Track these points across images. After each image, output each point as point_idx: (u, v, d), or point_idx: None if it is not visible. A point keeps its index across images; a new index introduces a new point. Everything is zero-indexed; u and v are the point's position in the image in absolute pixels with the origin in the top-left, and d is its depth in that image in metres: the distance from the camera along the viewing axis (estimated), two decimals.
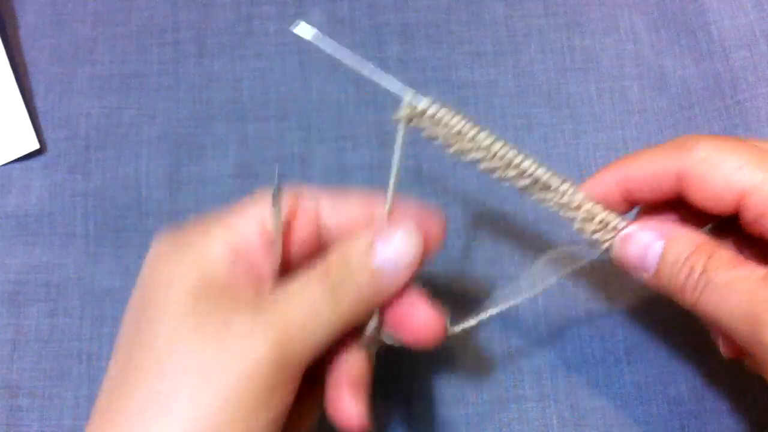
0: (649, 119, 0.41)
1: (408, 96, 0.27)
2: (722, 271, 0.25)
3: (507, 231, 0.39)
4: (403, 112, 0.27)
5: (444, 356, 0.37)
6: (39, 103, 0.42)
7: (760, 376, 0.26)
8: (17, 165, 0.41)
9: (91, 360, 0.38)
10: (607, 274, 0.38)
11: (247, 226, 0.27)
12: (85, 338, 0.38)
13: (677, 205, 0.29)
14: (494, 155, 0.27)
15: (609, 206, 0.29)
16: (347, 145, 0.41)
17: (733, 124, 0.40)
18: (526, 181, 0.28)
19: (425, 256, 0.27)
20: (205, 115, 0.42)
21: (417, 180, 0.40)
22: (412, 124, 0.27)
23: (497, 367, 0.37)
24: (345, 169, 0.40)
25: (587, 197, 0.29)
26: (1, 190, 0.40)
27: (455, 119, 0.27)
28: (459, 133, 0.27)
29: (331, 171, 0.40)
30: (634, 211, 0.31)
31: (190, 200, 0.40)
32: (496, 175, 0.28)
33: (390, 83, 0.27)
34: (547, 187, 0.28)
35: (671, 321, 0.37)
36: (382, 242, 0.26)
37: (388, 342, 0.28)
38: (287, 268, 0.27)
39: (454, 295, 0.38)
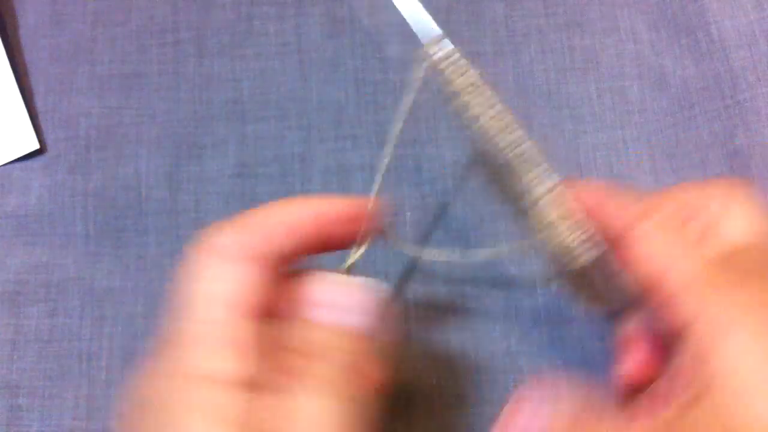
0: (649, 119, 0.41)
1: (436, 39, 0.27)
2: None
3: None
4: (431, 52, 0.27)
5: (444, 356, 0.37)
6: (39, 103, 0.42)
7: None
8: (17, 165, 0.41)
9: (91, 360, 0.38)
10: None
11: None
12: (85, 338, 0.38)
13: None
14: (495, 115, 0.28)
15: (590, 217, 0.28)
16: (347, 145, 0.41)
17: (733, 124, 0.40)
18: (513, 153, 0.28)
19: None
20: (205, 115, 0.42)
21: (416, 176, 0.40)
22: (431, 66, 0.28)
23: (497, 367, 0.37)
24: (345, 169, 0.40)
25: (571, 198, 0.28)
26: (1, 190, 0.40)
27: (473, 71, 0.28)
28: (472, 84, 0.27)
29: (331, 171, 0.40)
30: None
31: (190, 200, 0.40)
32: (487, 139, 0.28)
33: (418, 22, 0.28)
34: (529, 168, 0.28)
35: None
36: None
37: None
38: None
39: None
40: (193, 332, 0.23)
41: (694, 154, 0.40)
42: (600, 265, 0.28)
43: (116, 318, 0.38)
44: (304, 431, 0.22)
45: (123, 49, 0.43)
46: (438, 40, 0.27)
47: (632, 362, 0.28)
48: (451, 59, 0.27)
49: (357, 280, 0.26)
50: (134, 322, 0.38)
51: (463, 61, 0.27)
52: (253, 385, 0.23)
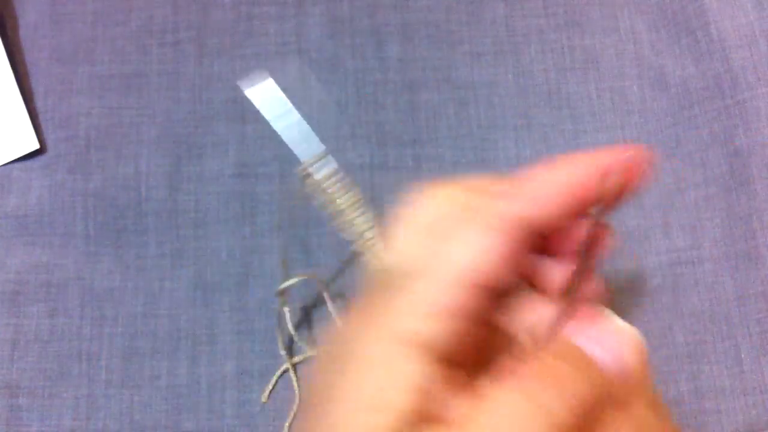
0: (649, 119, 0.41)
1: (317, 157, 0.32)
2: None
3: None
4: (311, 170, 0.32)
5: None
6: (39, 103, 0.42)
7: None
8: (17, 165, 0.41)
9: (91, 360, 0.38)
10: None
11: None
12: (85, 338, 0.38)
13: None
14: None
15: None
16: (347, 145, 0.41)
17: (733, 124, 0.40)
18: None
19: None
20: (205, 115, 0.42)
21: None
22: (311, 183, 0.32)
23: None
24: (345, 169, 0.40)
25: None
26: (1, 190, 0.40)
27: (347, 188, 0.33)
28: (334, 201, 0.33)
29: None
30: None
31: (190, 200, 0.40)
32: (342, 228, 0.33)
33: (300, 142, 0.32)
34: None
35: (671, 321, 0.37)
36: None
37: None
38: None
39: None
40: (420, 292, 0.22)
41: (694, 154, 0.40)
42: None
43: (116, 318, 0.38)
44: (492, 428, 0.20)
45: (123, 49, 0.43)
46: (320, 158, 0.31)
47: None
48: (330, 180, 0.32)
49: (627, 326, 0.23)
50: (134, 322, 0.38)
51: (338, 179, 0.32)
52: (453, 364, 0.21)
